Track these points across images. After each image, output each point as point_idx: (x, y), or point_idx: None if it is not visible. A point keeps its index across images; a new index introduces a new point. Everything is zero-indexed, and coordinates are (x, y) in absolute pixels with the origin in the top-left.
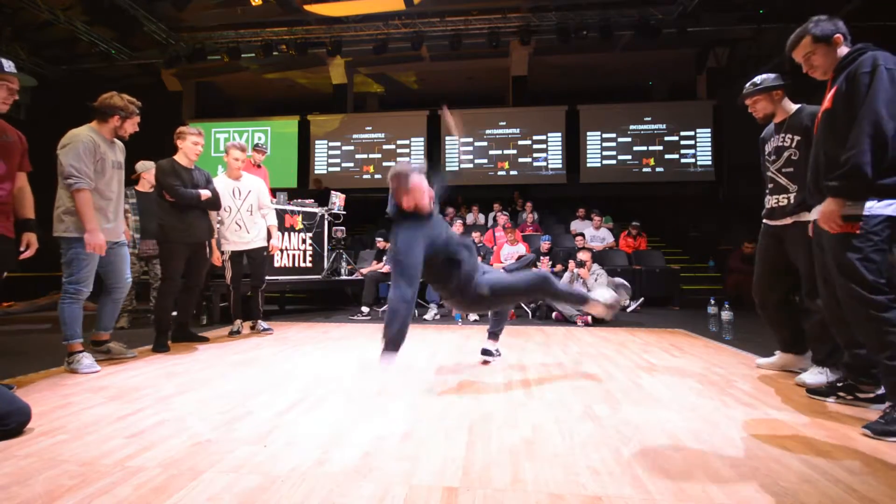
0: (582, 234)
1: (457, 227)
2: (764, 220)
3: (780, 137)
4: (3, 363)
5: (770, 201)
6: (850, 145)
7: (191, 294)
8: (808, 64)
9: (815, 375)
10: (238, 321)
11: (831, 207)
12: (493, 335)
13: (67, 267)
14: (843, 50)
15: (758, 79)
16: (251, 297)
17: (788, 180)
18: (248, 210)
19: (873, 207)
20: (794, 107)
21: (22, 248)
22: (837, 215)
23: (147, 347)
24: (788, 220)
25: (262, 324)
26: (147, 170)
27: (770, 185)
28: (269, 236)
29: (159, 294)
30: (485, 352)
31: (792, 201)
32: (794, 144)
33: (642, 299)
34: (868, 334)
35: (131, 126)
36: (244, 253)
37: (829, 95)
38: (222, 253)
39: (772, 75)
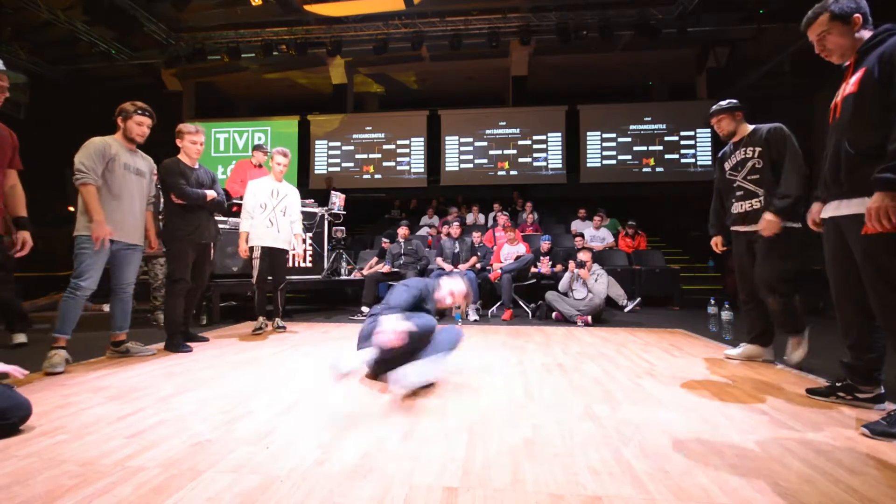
0: (582, 235)
1: (454, 229)
2: (734, 228)
3: (741, 151)
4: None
5: (744, 206)
6: None
7: (193, 295)
8: (822, 45)
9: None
10: (261, 318)
11: (886, 202)
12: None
13: (74, 261)
14: (864, 33)
15: (723, 102)
16: (271, 295)
17: (756, 186)
18: (282, 211)
19: None
20: (750, 127)
21: (17, 248)
22: (894, 209)
23: (161, 345)
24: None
25: (279, 321)
26: None
27: (739, 193)
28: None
29: (168, 294)
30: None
31: (762, 203)
32: (756, 155)
33: (640, 299)
34: None
35: (136, 127)
36: (270, 252)
37: (855, 80)
38: (251, 249)
39: (734, 100)
